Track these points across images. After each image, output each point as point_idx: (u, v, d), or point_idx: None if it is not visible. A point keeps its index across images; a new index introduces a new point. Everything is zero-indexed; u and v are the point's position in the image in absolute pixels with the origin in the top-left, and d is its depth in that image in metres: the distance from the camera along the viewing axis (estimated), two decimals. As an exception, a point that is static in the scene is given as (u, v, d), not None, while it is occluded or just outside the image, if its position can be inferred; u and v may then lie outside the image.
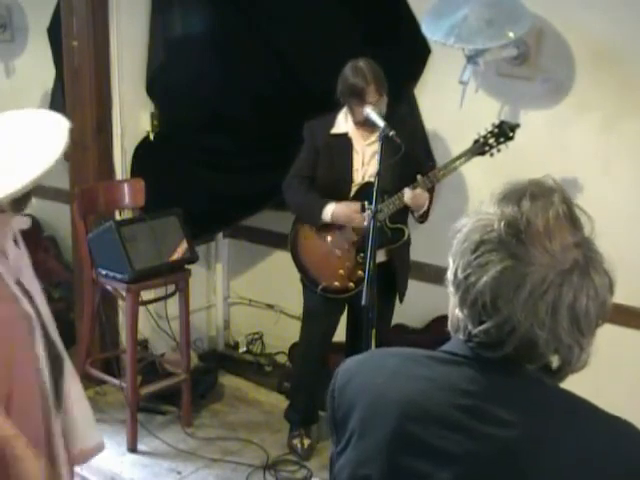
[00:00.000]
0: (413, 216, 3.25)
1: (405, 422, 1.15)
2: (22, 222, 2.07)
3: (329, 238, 3.33)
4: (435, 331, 3.90)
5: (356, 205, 3.21)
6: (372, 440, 1.18)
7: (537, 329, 1.12)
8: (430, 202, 3.20)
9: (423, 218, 3.25)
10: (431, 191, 3.20)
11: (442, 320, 4.24)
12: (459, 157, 3.13)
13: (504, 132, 3.11)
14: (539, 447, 1.11)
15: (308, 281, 3.41)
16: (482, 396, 1.14)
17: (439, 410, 1.15)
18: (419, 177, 3.11)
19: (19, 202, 1.92)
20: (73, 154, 3.99)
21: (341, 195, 3.25)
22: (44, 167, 1.82)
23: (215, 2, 4.00)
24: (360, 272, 3.25)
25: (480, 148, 3.11)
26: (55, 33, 4.19)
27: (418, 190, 3.09)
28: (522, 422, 1.12)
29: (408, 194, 3.10)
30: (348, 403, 1.25)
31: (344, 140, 3.27)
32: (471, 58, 3.25)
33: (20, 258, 2.05)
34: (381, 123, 2.95)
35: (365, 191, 3.20)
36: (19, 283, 2.00)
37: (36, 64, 4.82)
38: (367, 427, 1.20)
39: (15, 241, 2.04)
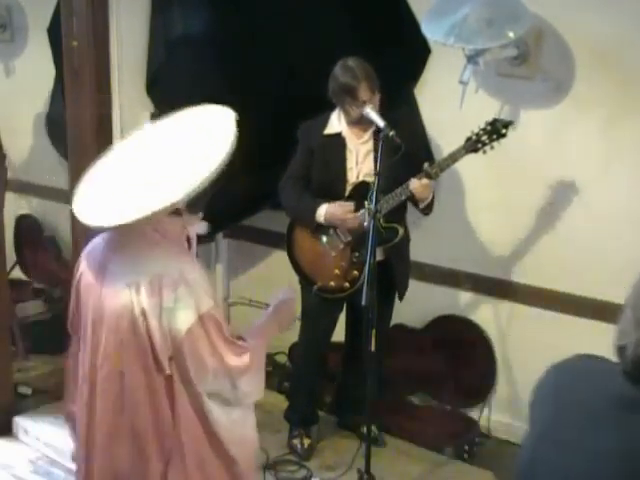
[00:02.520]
0: (417, 208, 3.23)
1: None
2: (200, 227, 2.08)
3: (324, 238, 3.33)
4: (435, 331, 3.90)
5: (349, 206, 3.21)
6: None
7: None
8: (433, 194, 3.20)
9: (428, 209, 3.24)
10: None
11: (442, 320, 4.27)
12: (452, 155, 3.13)
13: (497, 129, 3.11)
14: None
15: (304, 281, 3.41)
16: None
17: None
18: (426, 165, 3.11)
19: (195, 203, 1.92)
20: (73, 154, 4.00)
21: (336, 194, 3.25)
22: (216, 164, 1.84)
23: (215, 2, 4.00)
24: (355, 272, 3.26)
25: (472, 145, 3.11)
26: (55, 33, 4.18)
27: (425, 180, 3.09)
28: None
29: (415, 184, 3.09)
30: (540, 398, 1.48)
31: (338, 140, 3.27)
32: (471, 58, 3.25)
33: None
34: (381, 123, 2.95)
35: (360, 190, 3.20)
36: None
37: (36, 64, 4.82)
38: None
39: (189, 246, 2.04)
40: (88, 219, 1.87)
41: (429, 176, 3.09)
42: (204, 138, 1.94)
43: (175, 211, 1.87)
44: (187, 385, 1.92)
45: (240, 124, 4.40)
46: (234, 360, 1.96)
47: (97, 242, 2.03)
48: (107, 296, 1.90)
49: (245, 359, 1.99)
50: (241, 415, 2.07)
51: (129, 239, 1.93)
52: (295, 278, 3.48)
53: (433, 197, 3.21)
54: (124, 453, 1.94)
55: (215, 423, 1.97)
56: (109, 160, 2.04)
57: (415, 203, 3.21)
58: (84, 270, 2.00)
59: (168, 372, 1.88)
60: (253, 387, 2.09)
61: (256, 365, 2.05)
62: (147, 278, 1.85)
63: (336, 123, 3.29)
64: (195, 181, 1.80)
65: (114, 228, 1.88)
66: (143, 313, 1.84)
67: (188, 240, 2.02)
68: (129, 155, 2.00)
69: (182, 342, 1.86)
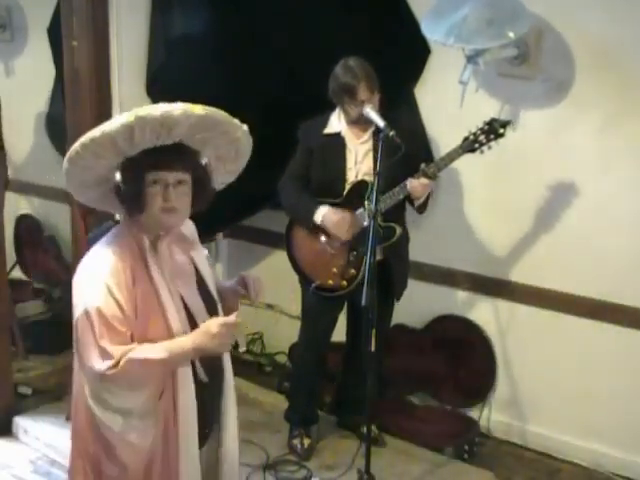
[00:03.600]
0: (413, 206, 3.24)
1: None
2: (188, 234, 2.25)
3: (322, 237, 3.33)
4: (435, 331, 3.91)
5: (349, 217, 3.22)
6: None
7: None
8: (429, 193, 3.20)
9: (422, 208, 3.25)
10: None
11: (442, 320, 4.27)
12: (449, 154, 3.13)
13: (494, 129, 3.11)
14: None
15: (303, 280, 3.42)
16: None
17: None
18: (423, 165, 3.11)
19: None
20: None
21: (335, 194, 3.26)
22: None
23: (215, 2, 4.00)
24: (353, 270, 3.26)
25: (470, 145, 3.11)
26: (55, 33, 4.18)
27: (423, 180, 3.09)
28: None
29: (413, 183, 3.10)
30: None
31: (337, 139, 3.28)
32: (471, 58, 3.25)
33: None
34: (381, 123, 2.95)
35: (358, 189, 3.21)
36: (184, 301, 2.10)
37: (36, 64, 4.82)
38: None
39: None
40: None
41: (427, 176, 3.10)
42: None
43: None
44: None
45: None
46: (98, 363, 1.91)
47: None
48: None
49: (106, 364, 1.90)
50: (137, 424, 2.00)
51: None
52: (296, 277, 3.48)
53: (428, 197, 3.21)
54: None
55: (100, 423, 2.00)
56: None
57: (411, 201, 3.22)
58: None
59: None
60: (122, 396, 1.98)
61: (127, 374, 1.92)
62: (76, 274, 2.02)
63: (336, 123, 3.29)
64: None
65: None
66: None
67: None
68: None
69: (74, 330, 1.97)
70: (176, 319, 2.01)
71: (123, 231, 2.05)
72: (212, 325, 1.98)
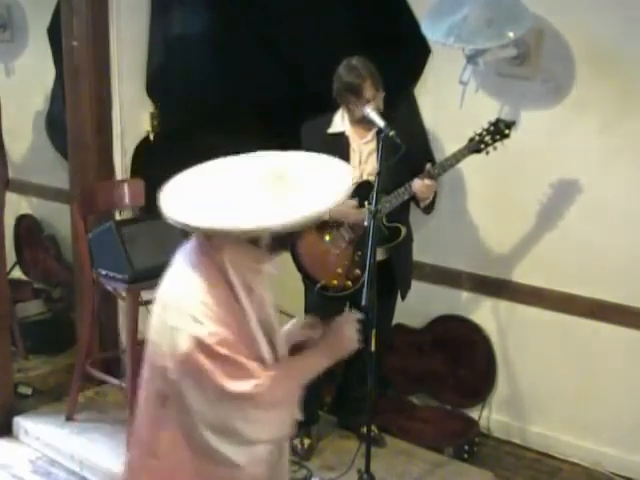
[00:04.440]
0: (419, 207, 3.23)
1: None
2: (271, 267, 1.96)
3: (327, 237, 3.33)
4: (435, 331, 3.91)
5: (352, 202, 3.22)
6: None
7: None
8: (435, 193, 3.20)
9: (429, 209, 3.24)
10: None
11: (442, 320, 4.26)
12: (454, 155, 3.13)
13: (500, 130, 3.11)
14: None
15: (307, 280, 3.41)
16: None
17: None
18: (428, 166, 3.11)
19: (281, 241, 1.84)
20: (73, 154, 4.00)
21: None
22: (322, 208, 1.73)
23: (215, 2, 4.00)
24: (357, 270, 3.26)
25: (476, 146, 3.11)
26: (55, 33, 4.18)
27: (427, 180, 3.09)
28: None
29: (417, 184, 3.10)
30: None
31: (341, 139, 3.27)
32: (471, 58, 3.25)
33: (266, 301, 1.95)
34: (381, 123, 2.95)
35: (363, 189, 3.20)
36: (265, 328, 1.91)
37: (36, 64, 4.83)
38: None
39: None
40: (174, 212, 1.86)
41: (431, 176, 3.10)
42: (319, 179, 1.86)
43: (254, 240, 1.80)
44: (182, 413, 1.81)
45: (240, 124, 4.41)
46: (239, 384, 1.73)
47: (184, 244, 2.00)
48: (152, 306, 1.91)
49: (246, 385, 1.74)
50: (261, 454, 1.88)
51: (192, 250, 1.89)
52: (296, 277, 3.48)
53: (435, 197, 3.21)
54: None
55: (219, 458, 1.82)
56: (210, 167, 2.05)
57: (417, 202, 3.22)
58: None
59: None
60: (261, 424, 1.81)
61: (269, 398, 1.78)
62: (167, 295, 1.84)
63: (339, 123, 3.29)
64: (297, 214, 1.70)
65: (195, 229, 1.82)
66: (161, 332, 1.81)
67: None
68: (232, 169, 1.96)
69: (179, 364, 1.76)
70: (265, 346, 1.88)
71: (205, 254, 1.87)
72: (342, 327, 1.98)
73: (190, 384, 1.76)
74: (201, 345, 1.72)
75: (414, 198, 3.18)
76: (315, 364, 1.93)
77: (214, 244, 1.82)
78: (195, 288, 1.78)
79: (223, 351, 1.72)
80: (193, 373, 1.74)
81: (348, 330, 1.96)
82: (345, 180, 1.89)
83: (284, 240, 1.85)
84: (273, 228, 1.71)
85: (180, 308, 1.77)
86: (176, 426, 1.82)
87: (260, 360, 1.82)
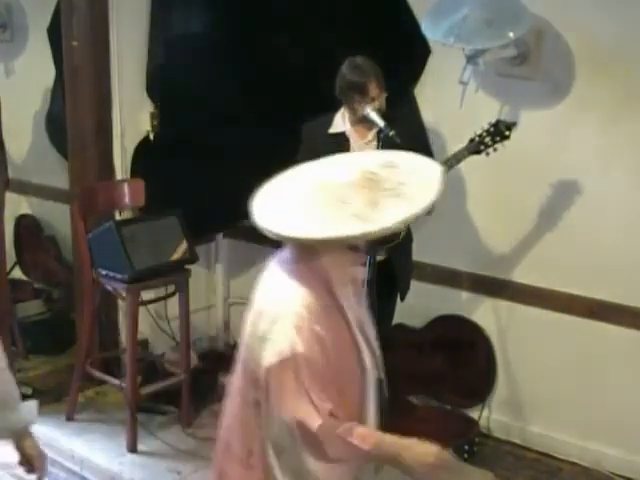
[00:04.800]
0: None
1: None
2: (360, 271, 1.93)
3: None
4: (435, 331, 3.90)
5: None
6: None
7: None
8: None
9: (431, 209, 3.21)
10: None
11: (442, 320, 4.25)
12: (454, 156, 3.13)
13: (500, 131, 3.10)
14: None
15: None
16: None
17: None
18: None
19: (377, 241, 1.79)
20: (73, 154, 4.00)
21: None
22: (418, 209, 1.72)
23: (215, 2, 4.00)
24: None
25: (476, 147, 3.11)
26: (55, 33, 4.18)
27: None
28: None
29: None
30: None
31: (342, 139, 3.27)
32: (471, 58, 3.25)
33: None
34: (382, 123, 2.95)
35: None
36: (362, 332, 1.84)
37: (36, 64, 4.82)
38: None
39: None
40: (268, 224, 1.77)
41: None
42: (412, 181, 1.81)
43: (353, 247, 1.78)
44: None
45: (240, 124, 4.41)
46: (311, 418, 1.66)
47: (277, 253, 1.95)
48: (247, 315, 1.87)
49: (317, 421, 1.66)
50: None
51: (289, 258, 1.84)
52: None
53: None
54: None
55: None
56: (299, 174, 1.95)
57: None
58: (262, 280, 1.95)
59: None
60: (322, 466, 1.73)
61: (332, 446, 1.69)
62: (264, 305, 1.81)
63: (340, 123, 3.29)
64: (397, 218, 1.68)
65: (292, 241, 1.78)
66: (251, 337, 1.80)
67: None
68: (321, 175, 1.88)
69: (264, 376, 1.72)
70: (367, 352, 1.83)
71: (303, 261, 1.82)
72: (434, 454, 1.81)
73: (267, 395, 1.73)
74: (285, 362, 1.67)
75: None
76: (384, 455, 1.81)
77: (312, 251, 1.77)
78: (293, 298, 1.73)
79: (303, 375, 1.67)
80: (272, 386, 1.71)
81: (440, 466, 1.79)
82: (436, 178, 1.85)
83: (380, 240, 1.82)
84: (378, 233, 1.66)
85: (275, 320, 1.72)
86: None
87: (361, 366, 1.80)
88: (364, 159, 1.88)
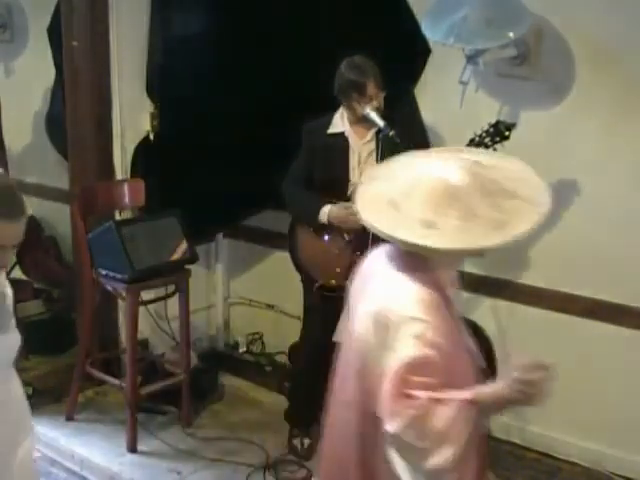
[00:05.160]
0: None
1: None
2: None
3: (326, 237, 3.34)
4: (435, 331, 3.90)
5: (352, 208, 3.22)
6: None
7: None
8: None
9: None
10: None
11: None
12: None
13: (500, 131, 3.10)
14: None
15: (306, 279, 3.42)
16: None
17: None
18: None
19: None
20: (73, 154, 4.00)
21: (338, 194, 3.26)
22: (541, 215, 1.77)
23: (215, 2, 4.00)
24: None
25: (475, 147, 3.11)
26: (55, 33, 4.18)
27: None
28: None
29: None
30: None
31: (341, 139, 3.28)
32: (471, 58, 3.25)
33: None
34: (381, 123, 2.95)
35: None
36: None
37: (36, 64, 4.82)
38: None
39: None
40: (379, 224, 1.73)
41: None
42: (522, 185, 1.88)
43: None
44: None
45: (240, 124, 4.40)
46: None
47: (372, 256, 1.92)
48: (356, 318, 1.82)
49: (409, 411, 1.66)
50: None
51: (395, 260, 1.80)
52: (295, 278, 3.48)
53: None
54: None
55: None
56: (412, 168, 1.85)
57: None
58: (352, 286, 1.92)
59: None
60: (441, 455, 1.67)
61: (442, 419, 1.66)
62: (383, 311, 1.74)
63: (339, 122, 3.29)
64: (525, 222, 1.73)
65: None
66: (369, 346, 1.74)
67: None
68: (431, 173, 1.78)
69: (386, 382, 1.69)
70: (475, 351, 1.86)
71: (414, 259, 1.79)
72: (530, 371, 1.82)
73: (389, 401, 1.69)
74: (411, 367, 1.67)
75: None
76: (487, 400, 1.74)
77: (418, 250, 1.74)
78: (413, 303, 1.72)
79: (428, 379, 1.67)
80: (393, 392, 1.68)
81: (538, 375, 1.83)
82: (544, 186, 1.93)
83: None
84: (521, 236, 1.70)
85: (397, 327, 1.70)
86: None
87: (472, 363, 1.81)
88: (459, 156, 1.85)
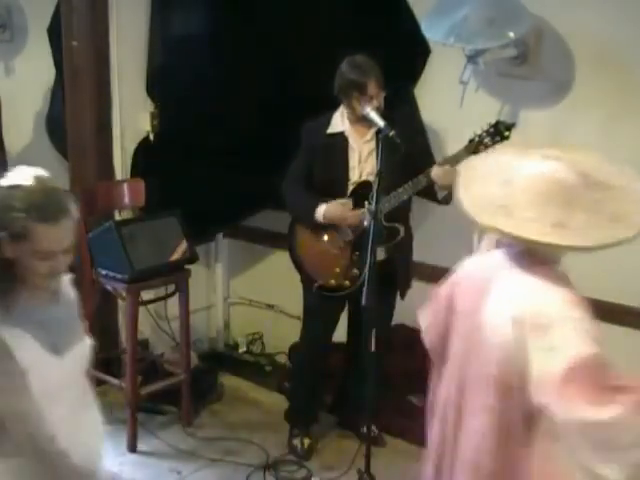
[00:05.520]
0: (436, 198, 3.20)
1: None
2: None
3: (325, 237, 3.34)
4: (435, 331, 3.90)
5: (348, 204, 3.22)
6: None
7: None
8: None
9: (449, 197, 3.14)
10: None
11: (442, 320, 4.07)
12: (454, 156, 3.12)
13: (499, 131, 3.10)
14: None
15: (305, 279, 3.42)
16: None
17: None
18: (440, 159, 3.12)
19: None
20: (73, 154, 4.00)
21: (338, 193, 3.26)
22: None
23: (215, 2, 4.00)
24: (355, 270, 3.26)
25: (475, 147, 3.11)
26: (55, 33, 4.18)
27: (447, 166, 3.08)
28: None
29: (438, 170, 3.08)
30: None
31: (340, 139, 3.28)
32: (471, 58, 3.25)
33: None
34: (381, 123, 2.95)
35: (362, 189, 3.20)
36: None
37: (36, 64, 4.82)
38: None
39: None
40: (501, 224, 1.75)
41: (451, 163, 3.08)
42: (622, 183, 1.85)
43: None
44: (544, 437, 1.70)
45: (240, 123, 4.40)
46: (591, 411, 1.63)
47: (480, 262, 1.93)
48: (487, 327, 1.78)
49: (610, 410, 1.64)
50: None
51: (522, 263, 1.80)
52: (295, 278, 3.48)
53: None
54: None
55: None
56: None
57: (431, 195, 3.19)
58: (461, 293, 1.90)
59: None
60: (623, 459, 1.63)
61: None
62: (529, 313, 1.73)
63: (339, 122, 3.29)
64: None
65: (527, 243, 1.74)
66: (524, 352, 1.70)
67: None
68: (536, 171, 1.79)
69: (551, 387, 1.66)
70: None
71: (541, 259, 1.88)
72: None
73: (563, 408, 1.66)
74: (585, 367, 1.68)
75: (428, 191, 3.16)
76: None
77: (545, 251, 1.80)
78: (559, 300, 1.78)
79: (602, 373, 1.70)
80: (570, 393, 1.66)
81: None
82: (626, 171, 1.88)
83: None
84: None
85: (551, 327, 1.71)
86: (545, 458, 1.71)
87: None
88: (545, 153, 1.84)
